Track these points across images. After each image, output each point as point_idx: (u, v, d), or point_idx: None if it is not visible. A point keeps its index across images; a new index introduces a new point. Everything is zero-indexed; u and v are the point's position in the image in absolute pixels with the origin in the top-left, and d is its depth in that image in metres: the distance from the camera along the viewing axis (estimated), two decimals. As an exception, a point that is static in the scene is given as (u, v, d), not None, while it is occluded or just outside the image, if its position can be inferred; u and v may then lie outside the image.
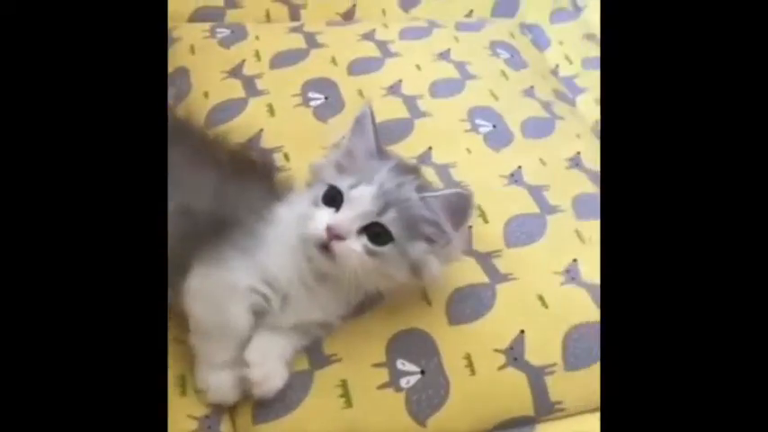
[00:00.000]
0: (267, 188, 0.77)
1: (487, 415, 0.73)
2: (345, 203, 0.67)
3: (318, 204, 0.68)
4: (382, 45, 1.13)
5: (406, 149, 0.94)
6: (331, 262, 0.66)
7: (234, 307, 0.69)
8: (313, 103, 1.00)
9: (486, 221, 0.87)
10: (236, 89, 1.02)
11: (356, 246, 0.66)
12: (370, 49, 1.12)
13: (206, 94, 1.01)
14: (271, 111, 0.99)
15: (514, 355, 0.75)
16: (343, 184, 0.68)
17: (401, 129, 0.98)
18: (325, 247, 0.66)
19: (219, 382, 0.69)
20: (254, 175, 0.79)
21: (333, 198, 0.68)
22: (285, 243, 0.70)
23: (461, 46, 1.16)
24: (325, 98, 1.01)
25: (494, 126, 1.01)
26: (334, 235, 0.65)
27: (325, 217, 0.67)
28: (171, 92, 1.05)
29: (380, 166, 0.68)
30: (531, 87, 1.11)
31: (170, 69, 1.08)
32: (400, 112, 1.00)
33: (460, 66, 1.11)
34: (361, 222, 0.66)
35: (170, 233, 0.67)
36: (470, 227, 0.77)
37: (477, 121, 1.01)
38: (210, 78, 1.04)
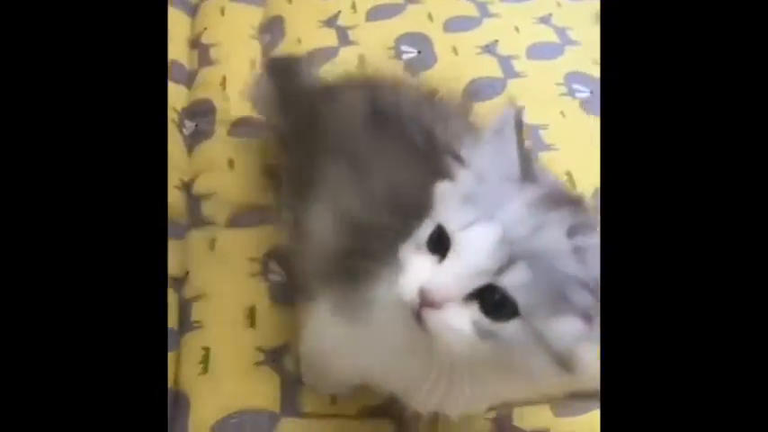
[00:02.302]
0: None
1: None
2: (452, 252, 0.45)
3: (421, 249, 0.47)
4: (481, 5, 1.10)
5: (496, 109, 0.91)
6: (425, 336, 0.45)
7: (325, 376, 0.64)
8: (405, 57, 0.99)
9: (574, 188, 0.83)
10: (329, 38, 1.02)
11: (459, 319, 0.44)
12: (468, 9, 1.09)
13: (299, 41, 1.02)
14: (362, 61, 0.98)
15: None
16: (453, 222, 0.45)
17: (493, 88, 0.95)
18: (419, 317, 0.45)
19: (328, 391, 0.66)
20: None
21: (439, 242, 0.45)
22: (385, 313, 0.50)
23: (564, 11, 1.12)
24: (418, 52, 0.99)
25: (591, 92, 0.96)
26: (427, 302, 0.44)
27: (422, 270, 0.45)
28: (265, 39, 1.06)
29: (515, 197, 0.45)
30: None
31: (265, 18, 1.10)
32: (494, 71, 0.97)
33: (561, 31, 1.07)
34: (469, 285, 0.44)
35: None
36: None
37: (575, 86, 0.97)
38: (305, 26, 1.04)
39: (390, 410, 0.67)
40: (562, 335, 0.44)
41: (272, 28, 1.06)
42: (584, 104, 0.95)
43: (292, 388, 0.67)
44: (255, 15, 1.09)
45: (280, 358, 0.69)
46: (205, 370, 0.66)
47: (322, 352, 0.59)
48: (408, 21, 1.05)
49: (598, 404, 0.68)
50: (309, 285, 0.60)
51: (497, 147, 0.47)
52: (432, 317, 0.44)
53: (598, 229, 0.42)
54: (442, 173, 0.49)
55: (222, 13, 1.09)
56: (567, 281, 0.43)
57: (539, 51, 1.01)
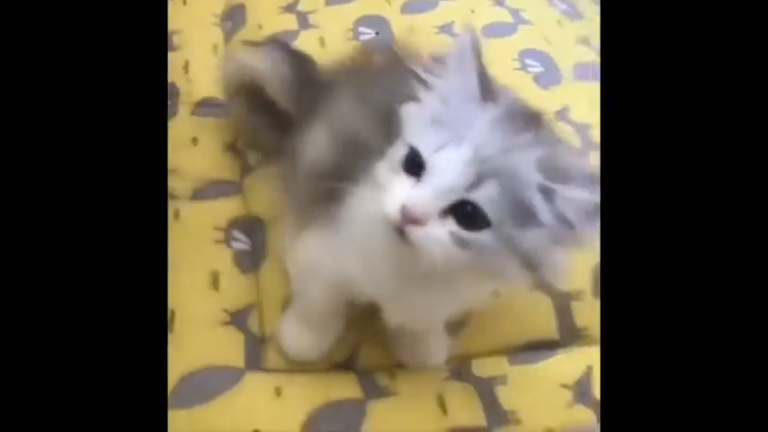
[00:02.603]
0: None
1: (510, 335, 0.73)
2: (427, 173, 0.49)
3: (397, 172, 0.51)
4: (438, -10, 1.14)
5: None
6: (411, 251, 0.50)
7: (313, 287, 0.65)
8: (363, 38, 1.02)
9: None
10: (290, 22, 1.05)
11: (438, 232, 0.49)
12: (426, -7, 1.12)
13: (260, 26, 1.04)
14: (322, 43, 1.01)
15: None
16: (426, 144, 0.49)
17: (449, 65, 0.98)
18: (402, 232, 0.49)
19: (301, 345, 0.68)
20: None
21: (414, 164, 0.50)
22: (365, 228, 0.55)
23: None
24: (376, 33, 1.02)
25: (544, 68, 1.00)
26: (409, 219, 0.49)
27: (401, 191, 0.49)
28: (227, 26, 1.08)
29: (480, 117, 0.49)
30: (587, 37, 1.09)
31: (227, 6, 1.12)
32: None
33: (515, 12, 1.11)
34: (444, 201, 0.48)
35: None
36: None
37: (528, 62, 1.00)
38: (266, 13, 1.07)
39: (353, 364, 0.69)
40: (529, 241, 0.48)
41: (234, 15, 1.08)
42: (537, 79, 0.98)
43: (257, 346, 0.70)
44: (217, 4, 1.11)
45: (244, 319, 0.71)
46: (170, 330, 0.68)
47: (310, 263, 0.63)
48: (366, 4, 1.08)
49: (551, 353, 0.72)
50: (301, 204, 0.66)
51: (458, 70, 0.51)
52: (413, 232, 0.48)
53: (572, 184, 0.47)
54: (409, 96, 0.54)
55: (184, 2, 1.11)
56: (535, 204, 0.48)
57: (493, 30, 1.05)
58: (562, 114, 0.93)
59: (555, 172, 0.48)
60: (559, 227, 0.48)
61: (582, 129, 0.91)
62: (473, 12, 1.09)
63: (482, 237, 0.48)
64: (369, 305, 0.61)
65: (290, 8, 1.08)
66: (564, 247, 0.50)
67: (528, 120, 0.51)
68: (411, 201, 0.48)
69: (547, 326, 0.73)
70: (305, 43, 1.00)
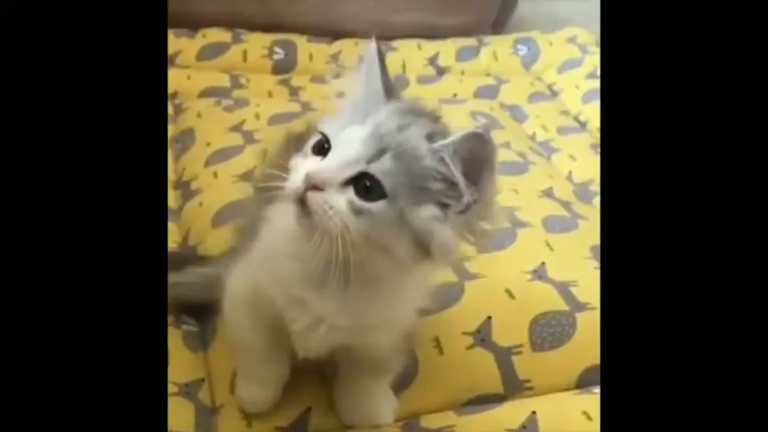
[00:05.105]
0: None
1: (456, 391, 0.75)
2: (333, 149, 0.55)
3: (307, 155, 0.56)
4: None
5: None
6: (308, 222, 0.54)
7: (244, 322, 0.67)
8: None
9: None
10: (235, 139, 1.13)
11: (337, 199, 0.53)
12: (359, 113, 1.23)
13: (208, 144, 1.12)
14: (265, 154, 1.08)
15: (482, 337, 0.78)
16: (335, 128, 0.56)
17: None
18: (302, 203, 0.54)
19: (252, 397, 0.70)
20: None
21: (323, 147, 0.56)
22: (277, 242, 0.61)
23: (443, 114, 1.28)
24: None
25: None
26: (311, 184, 0.53)
27: (308, 166, 0.54)
28: (177, 147, 1.16)
29: (383, 107, 0.56)
30: (507, 142, 1.21)
31: (177, 132, 1.20)
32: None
33: (442, 124, 1.22)
34: (346, 171, 0.53)
35: None
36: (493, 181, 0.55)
37: (454, 161, 1.09)
38: (213, 133, 1.15)
39: (305, 429, 0.70)
40: (421, 216, 0.54)
41: (185, 138, 1.17)
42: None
43: (207, 415, 0.70)
44: (168, 130, 1.20)
45: (194, 391, 0.72)
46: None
47: (233, 292, 0.68)
48: (304, 124, 1.17)
49: (496, 405, 0.74)
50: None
51: (366, 74, 0.58)
52: (313, 197, 0.53)
53: (451, 137, 0.53)
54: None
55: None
56: (426, 173, 0.53)
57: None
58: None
59: (440, 137, 0.54)
60: (446, 190, 0.53)
61: (509, 210, 0.98)
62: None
63: (377, 206, 0.53)
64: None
65: (235, 128, 1.16)
66: (454, 223, 0.54)
67: (425, 113, 0.59)
68: (314, 168, 0.53)
69: (491, 380, 0.76)
70: (249, 155, 1.08)
